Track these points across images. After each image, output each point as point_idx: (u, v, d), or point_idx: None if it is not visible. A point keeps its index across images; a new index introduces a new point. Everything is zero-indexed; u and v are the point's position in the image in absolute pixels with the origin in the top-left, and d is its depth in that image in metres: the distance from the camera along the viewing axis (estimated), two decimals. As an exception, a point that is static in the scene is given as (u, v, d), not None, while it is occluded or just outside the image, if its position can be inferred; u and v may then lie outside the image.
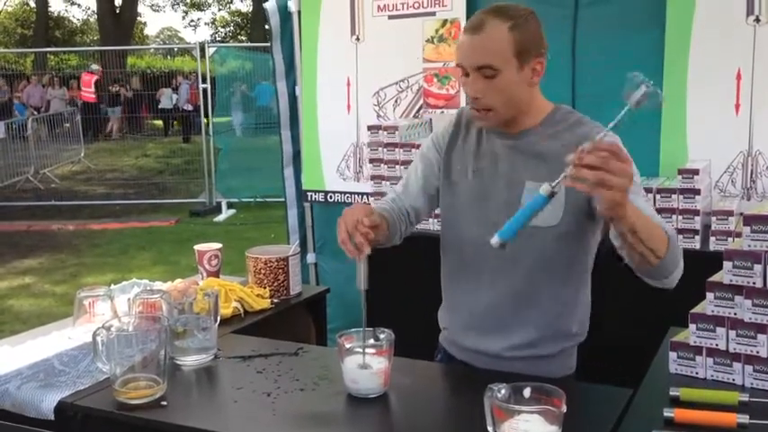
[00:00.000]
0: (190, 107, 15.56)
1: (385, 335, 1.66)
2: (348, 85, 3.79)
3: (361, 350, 1.64)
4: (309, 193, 4.00)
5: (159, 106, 16.11)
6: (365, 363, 1.63)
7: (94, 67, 16.40)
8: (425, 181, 1.90)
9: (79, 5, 41.77)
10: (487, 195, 1.77)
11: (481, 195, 1.78)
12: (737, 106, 2.89)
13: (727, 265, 1.57)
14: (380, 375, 1.64)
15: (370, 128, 3.45)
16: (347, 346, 1.65)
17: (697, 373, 1.64)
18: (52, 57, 23.29)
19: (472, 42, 1.64)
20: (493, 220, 1.64)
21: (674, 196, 2.69)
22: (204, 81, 9.81)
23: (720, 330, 1.59)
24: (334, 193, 3.92)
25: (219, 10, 36.90)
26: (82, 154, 12.96)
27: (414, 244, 2.04)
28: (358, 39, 3.73)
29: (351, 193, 3.84)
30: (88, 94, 15.84)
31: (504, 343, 1.78)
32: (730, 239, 2.54)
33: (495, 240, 1.45)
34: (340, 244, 1.66)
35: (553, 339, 1.78)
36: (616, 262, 1.61)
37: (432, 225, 3.11)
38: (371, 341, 1.66)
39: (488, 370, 1.77)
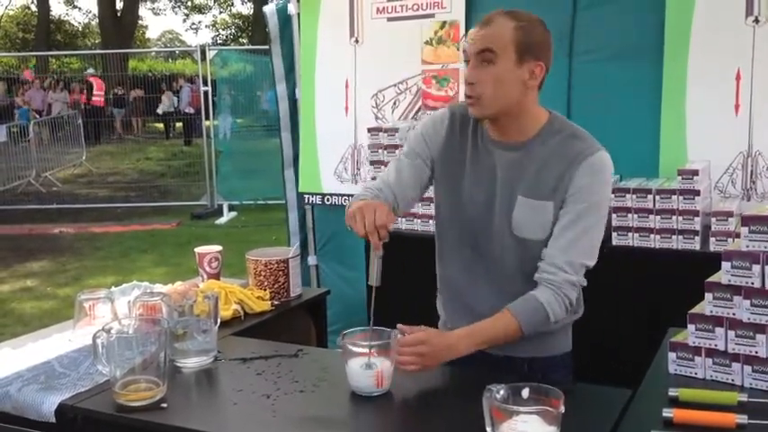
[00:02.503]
0: (191, 110, 15.58)
1: (388, 334, 1.67)
2: (347, 87, 3.79)
3: (365, 349, 1.64)
4: (306, 196, 3.99)
5: (159, 109, 16.12)
6: (369, 362, 1.64)
7: (90, 70, 16.45)
8: (419, 171, 1.90)
9: (80, 9, 41.84)
10: (489, 205, 1.81)
11: (482, 205, 1.82)
12: (737, 107, 2.89)
13: (725, 265, 1.57)
14: (383, 375, 1.64)
15: (370, 130, 3.45)
16: (350, 345, 1.66)
17: (696, 374, 1.64)
18: (54, 60, 23.34)
19: (479, 33, 1.74)
20: (496, 230, 1.80)
21: (673, 197, 2.69)
22: (205, 84, 9.82)
23: (719, 331, 1.59)
24: (331, 195, 3.91)
25: (220, 13, 37.00)
26: (83, 157, 12.98)
27: (421, 244, 2.04)
28: (357, 41, 3.74)
29: (348, 195, 3.80)
30: (100, 97, 15.94)
31: None
32: (730, 240, 2.53)
33: None
34: (356, 233, 1.65)
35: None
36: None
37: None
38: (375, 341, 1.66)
39: (489, 369, 1.80)
